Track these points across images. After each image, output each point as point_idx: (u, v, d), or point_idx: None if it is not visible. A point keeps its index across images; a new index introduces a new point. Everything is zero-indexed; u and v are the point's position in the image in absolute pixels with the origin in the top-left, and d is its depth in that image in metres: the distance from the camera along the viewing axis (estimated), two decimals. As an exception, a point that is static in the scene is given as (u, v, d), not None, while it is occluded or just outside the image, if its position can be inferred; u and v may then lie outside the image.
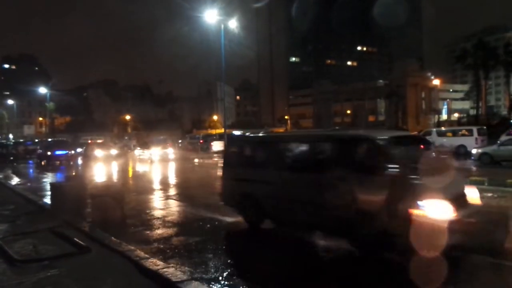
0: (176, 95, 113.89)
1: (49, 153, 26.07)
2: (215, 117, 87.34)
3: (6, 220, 8.30)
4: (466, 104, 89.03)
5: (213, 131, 61.24)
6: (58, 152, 26.25)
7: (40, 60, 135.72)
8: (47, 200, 10.27)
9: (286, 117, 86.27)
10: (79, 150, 29.96)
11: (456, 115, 77.46)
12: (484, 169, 15.35)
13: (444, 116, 74.40)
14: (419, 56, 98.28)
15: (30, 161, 29.95)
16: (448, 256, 4.70)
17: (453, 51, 60.99)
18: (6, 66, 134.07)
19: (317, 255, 5.79)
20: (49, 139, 43.87)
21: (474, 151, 19.25)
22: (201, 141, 40.48)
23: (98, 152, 28.75)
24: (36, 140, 43.76)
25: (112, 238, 6.30)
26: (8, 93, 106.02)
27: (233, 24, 29.43)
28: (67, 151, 26.93)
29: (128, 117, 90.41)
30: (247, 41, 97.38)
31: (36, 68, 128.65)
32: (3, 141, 53.31)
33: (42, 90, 63.24)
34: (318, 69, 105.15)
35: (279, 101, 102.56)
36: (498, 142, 18.22)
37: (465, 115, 74.06)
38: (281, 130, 52.52)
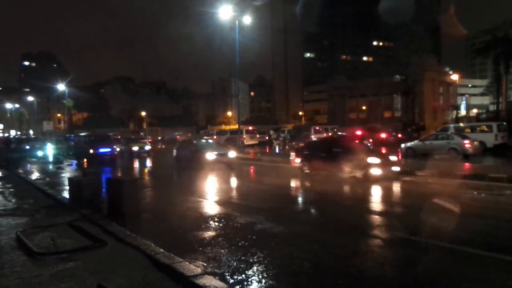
0: (191, 91, 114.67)
1: (91, 151, 22.62)
2: (229, 113, 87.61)
3: (26, 213, 8.52)
4: (485, 100, 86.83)
5: (227, 127, 61.45)
6: (102, 150, 22.93)
7: (58, 57, 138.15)
8: (66, 194, 10.49)
9: (300, 113, 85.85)
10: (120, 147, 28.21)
11: (475, 110, 75.69)
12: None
13: (463, 112, 72.83)
14: (437, 51, 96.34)
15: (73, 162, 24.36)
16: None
17: (472, 45, 59.47)
18: (26, 63, 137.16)
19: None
20: (87, 134, 40.84)
21: (402, 145, 22.09)
22: (215, 137, 40.65)
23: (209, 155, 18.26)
24: (81, 135, 40.07)
25: (128, 232, 6.40)
26: (28, 90, 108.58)
27: (248, 20, 29.39)
28: (111, 148, 23.77)
29: (143, 113, 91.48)
30: (261, 37, 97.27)
31: (55, 65, 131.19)
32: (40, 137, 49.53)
33: (61, 87, 64.52)
34: (333, 64, 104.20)
35: (294, 97, 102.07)
36: (421, 138, 21.79)
37: (484, 110, 72.30)
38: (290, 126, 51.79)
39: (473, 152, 19.15)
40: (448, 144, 19.77)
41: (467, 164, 15.83)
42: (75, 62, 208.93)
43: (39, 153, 28.67)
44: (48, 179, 15.90)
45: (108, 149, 23.30)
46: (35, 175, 17.44)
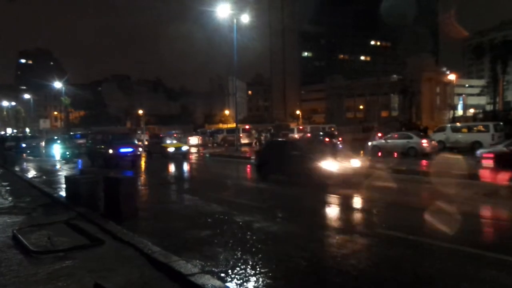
0: (188, 89, 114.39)
1: (111, 151, 19.02)
2: (227, 112, 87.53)
3: (23, 212, 8.49)
4: (482, 100, 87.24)
5: (224, 126, 61.40)
6: (123, 150, 19.42)
7: (55, 55, 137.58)
8: (62, 193, 10.46)
9: (298, 112, 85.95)
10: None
11: (472, 110, 76.01)
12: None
13: (460, 112, 73.13)
14: (434, 51, 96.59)
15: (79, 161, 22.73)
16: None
17: (470, 45, 59.80)
18: (23, 61, 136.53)
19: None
20: (100, 130, 38.62)
21: (369, 143, 24.23)
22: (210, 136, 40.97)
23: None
24: (89, 132, 38.90)
25: (125, 230, 6.39)
26: (24, 87, 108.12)
27: (246, 18, 29.36)
28: (133, 148, 20.13)
29: (141, 111, 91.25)
30: (259, 36, 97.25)
31: (52, 63, 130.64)
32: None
33: (58, 84, 64.24)
34: (330, 63, 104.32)
35: (291, 96, 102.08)
36: (385, 137, 23.70)
37: (481, 110, 72.62)
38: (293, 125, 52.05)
39: (431, 151, 20.51)
40: (408, 143, 21.51)
41: (412, 161, 17.88)
42: (72, 60, 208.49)
43: (44, 151, 27.22)
44: (45, 177, 15.84)
45: (130, 149, 19.68)
46: (31, 173, 17.37)
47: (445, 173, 12.93)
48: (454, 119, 56.31)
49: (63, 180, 11.28)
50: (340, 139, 29.37)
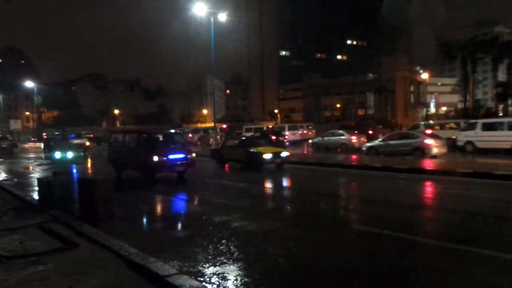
0: (166, 89, 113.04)
1: (156, 158, 13.17)
2: (204, 111, 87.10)
3: (-8, 216, 8.19)
4: (454, 98, 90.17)
5: (202, 125, 61.06)
6: (173, 156, 13.66)
7: (26, 53, 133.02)
8: (35, 195, 10.16)
9: (276, 111, 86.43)
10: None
11: (444, 108, 78.45)
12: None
13: (433, 110, 75.33)
14: (408, 50, 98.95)
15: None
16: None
17: (442, 45, 61.76)
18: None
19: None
20: (129, 128, 35.37)
21: (310, 141, 27.19)
22: (190, 135, 40.48)
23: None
24: (110, 130, 36.27)
25: (100, 233, 6.27)
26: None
27: (223, 17, 29.29)
28: (186, 154, 14.10)
29: (117, 111, 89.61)
30: (237, 35, 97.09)
31: (23, 62, 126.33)
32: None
33: (29, 84, 62.29)
34: (308, 63, 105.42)
35: (270, 95, 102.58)
36: (322, 135, 26.00)
37: (453, 108, 75.03)
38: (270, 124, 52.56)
39: (360, 147, 22.33)
40: (340, 140, 24.31)
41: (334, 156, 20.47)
42: (45, 59, 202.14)
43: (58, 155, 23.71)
44: (16, 180, 15.34)
45: (181, 155, 13.91)
46: (1, 176, 16.78)
47: (340, 164, 16.51)
48: (428, 117, 57.99)
49: (35, 183, 10.96)
50: (286, 137, 31.53)
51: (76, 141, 31.82)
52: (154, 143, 14.52)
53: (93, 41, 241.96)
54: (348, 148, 23.42)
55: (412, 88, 74.53)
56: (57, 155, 23.93)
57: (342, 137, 24.49)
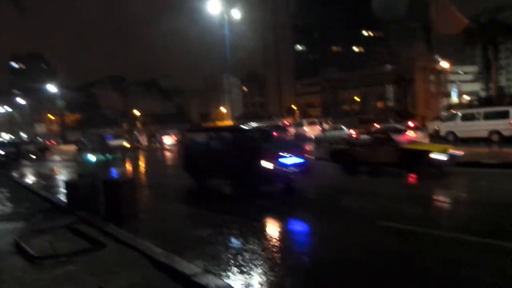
0: (183, 88, 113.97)
1: (266, 163, 9.41)
2: (222, 109, 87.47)
3: (23, 218, 8.50)
4: (476, 86, 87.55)
5: (220, 124, 61.32)
6: (287, 161, 9.81)
7: (47, 58, 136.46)
8: (62, 197, 10.46)
9: (293, 106, 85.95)
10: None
11: (466, 97, 76.31)
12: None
13: (455, 99, 73.41)
14: (427, 39, 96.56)
15: None
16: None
17: (461, 32, 59.93)
18: (15, 65, 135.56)
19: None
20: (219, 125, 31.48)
21: (312, 136, 27.98)
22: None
23: None
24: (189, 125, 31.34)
25: (126, 233, 6.42)
26: (18, 92, 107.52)
27: (237, 14, 29.27)
28: (303, 158, 10.42)
29: (136, 111, 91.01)
30: (252, 31, 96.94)
31: (45, 66, 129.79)
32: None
33: (51, 88, 63.95)
34: (324, 57, 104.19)
35: (286, 90, 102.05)
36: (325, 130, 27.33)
37: (476, 97, 72.92)
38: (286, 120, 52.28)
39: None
40: (340, 134, 24.57)
41: None
42: (65, 63, 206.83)
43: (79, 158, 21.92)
44: (43, 182, 15.82)
45: (298, 159, 10.09)
46: (30, 179, 17.34)
47: None
48: (450, 107, 56.49)
49: (62, 184, 11.26)
50: (289, 132, 30.85)
51: (114, 142, 29.01)
52: (258, 142, 10.64)
53: (112, 44, 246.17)
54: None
55: (432, 78, 72.77)
56: (95, 157, 21.50)
57: (342, 131, 25.36)
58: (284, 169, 9.64)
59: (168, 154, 29.76)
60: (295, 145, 11.49)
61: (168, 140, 40.07)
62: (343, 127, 26.75)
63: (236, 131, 12.26)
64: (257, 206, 8.91)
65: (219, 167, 10.92)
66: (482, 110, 21.46)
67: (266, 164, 9.44)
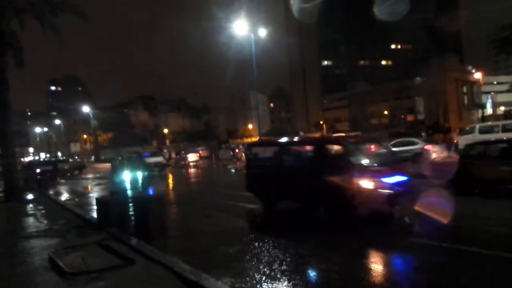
0: (211, 106, 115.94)
1: (366, 184, 7.80)
2: (250, 126, 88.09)
3: (57, 234, 8.77)
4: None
5: (248, 140, 61.74)
6: (391, 180, 7.94)
7: (83, 80, 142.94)
8: (94, 214, 10.75)
9: (321, 121, 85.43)
10: None
11: (502, 108, 73.29)
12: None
13: (489, 110, 70.65)
14: (457, 49, 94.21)
15: None
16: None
17: (495, 41, 57.94)
18: (53, 88, 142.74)
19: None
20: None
21: None
22: (236, 150, 41.13)
23: None
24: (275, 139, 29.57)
25: (155, 249, 6.48)
26: (55, 113, 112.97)
27: (263, 32, 29.70)
28: (407, 176, 8.56)
29: (166, 130, 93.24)
30: (278, 48, 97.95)
31: (80, 88, 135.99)
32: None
33: (86, 109, 66.79)
34: (351, 71, 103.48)
35: (313, 106, 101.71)
36: None
37: (511, 107, 69.87)
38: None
39: None
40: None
41: None
42: (98, 84, 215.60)
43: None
44: (77, 199, 16.33)
45: (403, 177, 8.41)
46: (64, 196, 17.95)
47: None
48: (484, 118, 54.45)
49: (94, 202, 11.58)
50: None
51: (152, 160, 28.75)
52: (353, 157, 8.46)
53: (142, 65, 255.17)
54: None
55: (465, 89, 70.55)
56: (130, 175, 20.95)
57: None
58: (388, 189, 7.77)
59: (192, 170, 30.34)
60: (395, 160, 9.42)
61: (192, 157, 41.96)
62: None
63: (319, 143, 10.19)
64: (357, 239, 6.93)
65: (295, 187, 9.16)
66: (501, 123, 21.70)
67: (366, 184, 7.73)
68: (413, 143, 20.21)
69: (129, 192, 10.12)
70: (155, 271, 5.56)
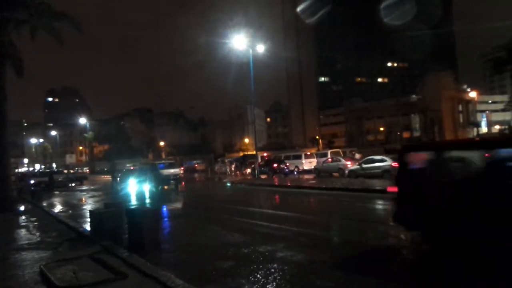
0: (208, 119, 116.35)
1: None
2: (246, 140, 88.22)
3: (49, 247, 8.64)
4: (507, 115, 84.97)
5: (242, 154, 61.87)
6: None
7: (80, 92, 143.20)
8: (87, 226, 10.62)
9: (317, 137, 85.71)
10: None
11: (497, 127, 74.01)
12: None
13: (484, 129, 71.32)
14: (453, 68, 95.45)
15: None
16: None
17: (490, 60, 58.88)
18: (50, 99, 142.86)
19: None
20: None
21: (313, 166, 30.85)
22: (233, 165, 41.58)
23: None
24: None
25: (148, 263, 6.40)
26: (51, 124, 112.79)
27: (261, 48, 30.05)
28: None
29: (162, 143, 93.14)
30: (275, 63, 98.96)
31: (77, 100, 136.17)
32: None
33: (82, 120, 66.74)
34: (348, 87, 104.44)
35: (310, 121, 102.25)
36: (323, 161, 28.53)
37: (506, 126, 70.56)
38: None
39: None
40: (337, 165, 26.07)
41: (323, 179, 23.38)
42: (95, 96, 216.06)
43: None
44: (71, 211, 16.15)
45: None
46: (57, 208, 17.75)
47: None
48: (479, 136, 54.83)
49: (87, 214, 11.47)
50: (287, 164, 31.85)
51: (168, 171, 24.94)
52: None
53: (140, 77, 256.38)
54: (344, 172, 24.54)
55: (460, 108, 71.30)
56: (144, 188, 19.32)
57: (339, 162, 25.88)
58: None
59: (188, 184, 30.14)
60: None
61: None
62: (341, 159, 26.42)
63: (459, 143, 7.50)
64: None
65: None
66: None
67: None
68: (383, 161, 21.68)
69: (122, 204, 10.02)
70: (147, 285, 5.47)
